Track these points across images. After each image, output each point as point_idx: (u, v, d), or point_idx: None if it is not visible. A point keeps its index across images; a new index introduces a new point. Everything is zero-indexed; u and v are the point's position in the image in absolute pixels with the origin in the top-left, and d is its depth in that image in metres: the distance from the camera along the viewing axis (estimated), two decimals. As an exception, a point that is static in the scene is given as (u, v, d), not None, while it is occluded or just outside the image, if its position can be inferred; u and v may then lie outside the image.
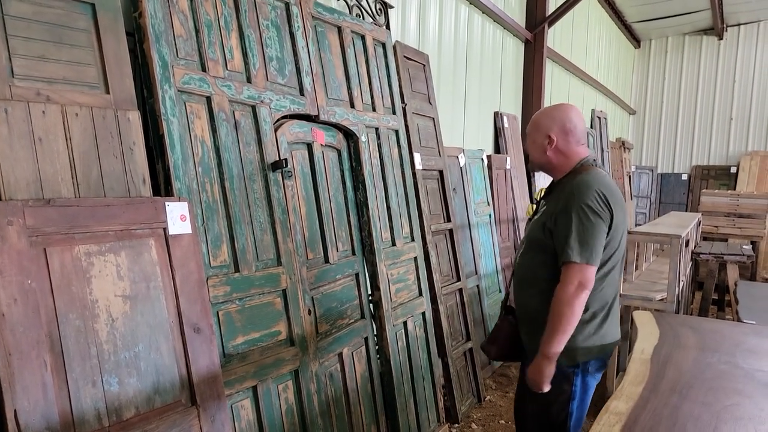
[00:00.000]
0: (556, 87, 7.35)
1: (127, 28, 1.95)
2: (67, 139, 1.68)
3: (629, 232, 4.04)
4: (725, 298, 5.42)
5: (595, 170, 2.03)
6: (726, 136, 11.11)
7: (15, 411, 1.37)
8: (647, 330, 2.41)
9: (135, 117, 1.89)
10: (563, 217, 1.92)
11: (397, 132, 3.43)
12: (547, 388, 1.97)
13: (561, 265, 1.92)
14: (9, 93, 1.57)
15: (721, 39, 10.97)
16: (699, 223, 5.64)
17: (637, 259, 4.41)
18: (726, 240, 7.25)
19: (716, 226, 7.31)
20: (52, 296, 1.52)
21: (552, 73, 7.08)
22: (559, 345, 1.91)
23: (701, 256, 4.78)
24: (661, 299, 3.59)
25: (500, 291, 4.92)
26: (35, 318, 1.46)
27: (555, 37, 7.00)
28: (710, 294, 4.85)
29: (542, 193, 2.26)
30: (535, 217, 2.13)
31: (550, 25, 6.28)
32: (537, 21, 6.19)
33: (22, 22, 1.64)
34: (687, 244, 4.18)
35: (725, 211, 7.33)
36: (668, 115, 11.77)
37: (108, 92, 1.84)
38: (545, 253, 2.00)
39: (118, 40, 1.89)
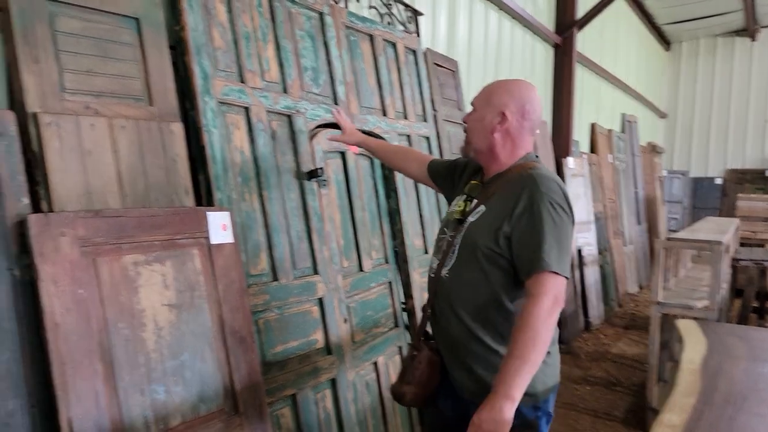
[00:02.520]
0: (587, 91, 7.27)
1: (169, 41, 1.99)
2: (114, 152, 1.71)
3: (668, 239, 3.96)
4: (765, 306, 5.27)
5: (545, 166, 1.67)
6: (761, 138, 10.84)
7: (69, 419, 1.39)
8: (693, 339, 2.35)
9: (178, 129, 1.92)
10: (529, 217, 1.51)
11: (428, 139, 3.42)
12: None
13: (527, 277, 1.50)
14: (60, 107, 1.61)
15: (755, 40, 10.72)
16: (737, 229, 5.50)
17: (675, 266, 4.32)
18: (763, 245, 7.06)
19: (754, 232, 7.13)
20: (102, 306, 1.55)
21: (582, 77, 7.01)
22: (528, 379, 1.42)
23: (741, 262, 4.66)
24: (703, 307, 3.50)
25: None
26: (87, 327, 1.49)
27: (584, 41, 6.93)
28: (750, 301, 4.72)
29: (474, 189, 1.75)
30: (472, 219, 1.64)
31: (579, 29, 6.22)
32: (566, 25, 6.13)
33: (72, 38, 1.68)
34: (727, 250, 4.09)
35: (763, 216, 7.15)
36: (701, 118, 11.54)
37: (152, 105, 1.87)
38: (496, 267, 1.57)
39: (162, 54, 1.93)
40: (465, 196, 1.75)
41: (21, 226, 1.47)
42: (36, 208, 1.53)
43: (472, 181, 1.77)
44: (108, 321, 1.55)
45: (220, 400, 1.83)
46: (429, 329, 1.80)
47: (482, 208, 1.64)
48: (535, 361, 1.41)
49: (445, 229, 1.75)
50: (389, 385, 1.82)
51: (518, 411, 1.44)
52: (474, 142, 1.71)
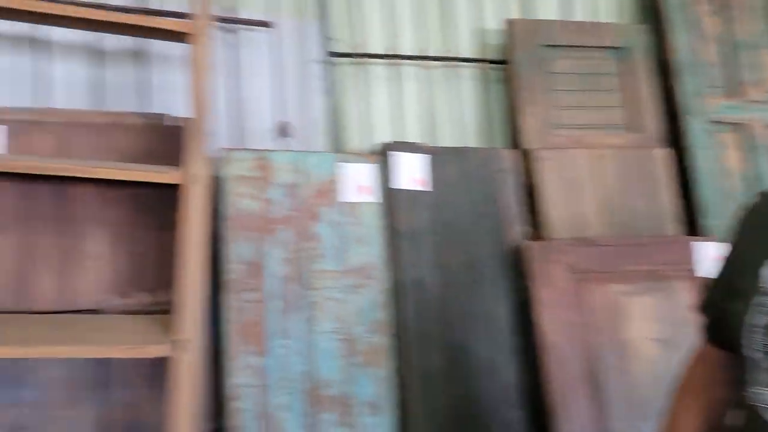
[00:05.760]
0: None
1: (652, 64, 1.93)
2: (598, 181, 1.75)
3: None
4: None
5: None
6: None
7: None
8: None
9: (662, 154, 1.84)
10: None
11: None
12: None
13: None
14: (552, 142, 1.75)
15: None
16: None
17: None
18: None
19: None
20: (589, 332, 1.58)
21: None
22: None
23: None
24: None
25: None
26: (577, 351, 1.55)
27: None
28: None
29: None
30: None
31: None
32: None
33: (562, 77, 1.82)
34: None
35: None
36: None
37: (635, 131, 1.86)
38: None
39: (644, 79, 1.89)
40: None
41: (517, 252, 1.64)
42: (530, 235, 1.69)
43: None
44: (596, 348, 1.57)
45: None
46: None
47: None
48: None
49: None
50: None
51: None
52: None
